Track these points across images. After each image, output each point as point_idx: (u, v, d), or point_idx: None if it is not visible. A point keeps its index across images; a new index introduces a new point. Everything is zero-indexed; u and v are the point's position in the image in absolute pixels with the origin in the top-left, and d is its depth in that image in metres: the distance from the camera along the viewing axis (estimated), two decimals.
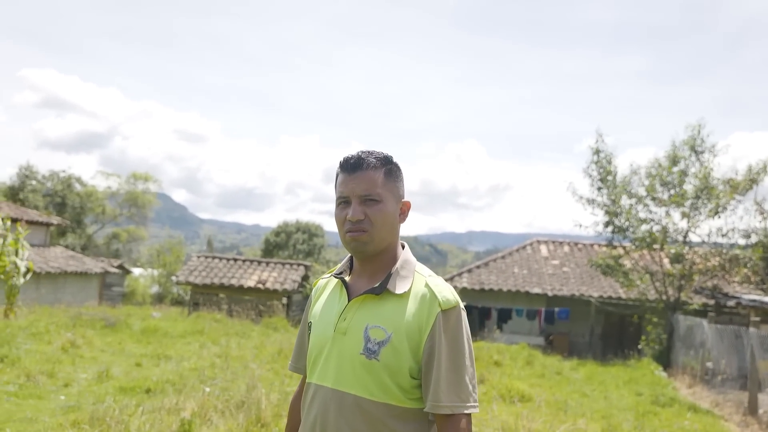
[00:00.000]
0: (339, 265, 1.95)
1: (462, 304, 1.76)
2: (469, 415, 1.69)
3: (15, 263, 13.78)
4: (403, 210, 1.87)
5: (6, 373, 7.57)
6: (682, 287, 16.99)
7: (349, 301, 1.80)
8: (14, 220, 16.63)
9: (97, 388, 7.42)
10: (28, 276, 14.48)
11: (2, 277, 13.52)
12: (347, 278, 1.88)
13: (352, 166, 1.80)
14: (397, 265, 1.80)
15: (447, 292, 1.74)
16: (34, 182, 40.23)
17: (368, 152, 1.83)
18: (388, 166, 1.83)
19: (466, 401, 1.68)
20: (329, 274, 1.96)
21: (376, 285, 1.77)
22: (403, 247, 1.89)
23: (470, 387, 1.70)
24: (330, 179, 1.92)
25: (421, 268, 1.84)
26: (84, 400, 6.71)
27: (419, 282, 1.77)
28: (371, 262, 1.83)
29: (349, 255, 1.91)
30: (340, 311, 1.80)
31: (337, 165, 1.85)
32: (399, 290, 1.74)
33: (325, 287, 1.95)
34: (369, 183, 1.78)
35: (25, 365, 8.10)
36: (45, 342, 10.23)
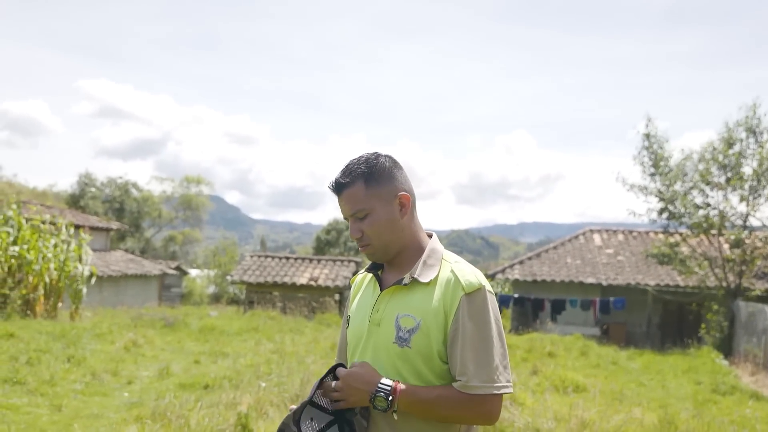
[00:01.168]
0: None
1: (488, 287, 1.78)
2: (500, 396, 1.72)
3: (78, 268, 14.36)
4: (402, 204, 1.86)
5: (73, 372, 7.93)
6: (742, 273, 16.46)
7: (381, 292, 1.88)
8: (77, 227, 17.32)
9: (158, 384, 7.70)
10: (93, 280, 15.07)
11: (68, 281, 14.11)
12: (380, 272, 1.95)
13: (335, 190, 1.87)
14: (424, 255, 1.85)
15: (470, 276, 1.77)
16: (93, 189, 41.76)
17: (346, 170, 1.86)
18: (368, 174, 1.83)
19: (495, 381, 1.70)
20: (365, 270, 2.03)
21: (405, 276, 1.83)
22: (430, 236, 1.94)
23: (501, 367, 1.72)
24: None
25: (448, 255, 1.88)
26: (146, 396, 6.98)
27: (445, 269, 1.82)
28: (398, 258, 1.89)
29: None
30: (373, 303, 1.88)
31: None
32: (425, 279, 1.79)
33: (362, 282, 2.03)
34: (352, 201, 1.83)
35: (90, 364, 8.47)
36: (108, 342, 10.65)
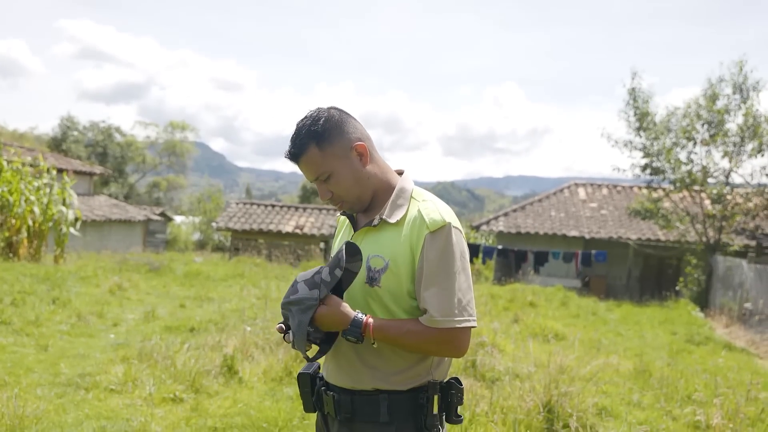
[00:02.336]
0: None
1: (454, 223, 1.79)
2: (465, 329, 1.76)
3: (62, 212, 14.27)
4: (360, 153, 1.84)
5: (58, 314, 7.96)
6: (722, 228, 16.71)
7: (353, 234, 1.92)
8: (59, 170, 17.13)
9: (144, 327, 7.77)
10: (78, 224, 14.99)
11: (51, 225, 14.03)
12: (354, 214, 1.98)
13: (291, 160, 1.85)
14: (393, 195, 1.87)
15: (434, 214, 1.78)
16: (75, 133, 41.16)
17: (295, 137, 1.83)
18: (318, 135, 1.81)
19: (458, 316, 1.74)
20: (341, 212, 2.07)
21: (374, 218, 1.86)
22: (401, 173, 1.96)
23: (463, 302, 1.76)
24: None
25: (417, 193, 1.88)
26: (132, 338, 7.05)
27: (413, 208, 1.83)
28: (371, 201, 1.91)
29: None
30: None
31: None
32: (393, 219, 1.82)
33: (344, 222, 2.07)
34: (311, 167, 1.83)
35: (75, 307, 8.50)
36: (93, 285, 10.68)
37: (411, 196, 1.87)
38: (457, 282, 1.76)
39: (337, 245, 2.04)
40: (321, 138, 1.80)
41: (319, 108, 1.87)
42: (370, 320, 1.74)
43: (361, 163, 1.85)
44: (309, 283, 1.76)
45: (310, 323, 1.73)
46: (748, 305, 12.39)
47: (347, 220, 2.02)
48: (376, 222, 1.84)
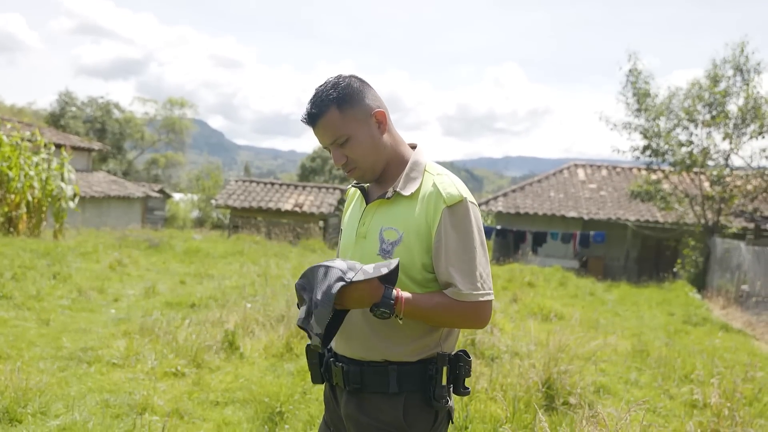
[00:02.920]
0: None
1: (470, 198, 1.80)
2: (488, 302, 1.78)
3: (61, 187, 14.23)
4: (379, 120, 1.85)
5: (59, 289, 7.98)
6: (721, 210, 16.73)
7: (366, 206, 1.91)
8: (57, 146, 17.05)
9: (145, 303, 7.79)
10: (76, 200, 14.96)
11: (50, 200, 14.00)
12: (366, 187, 1.99)
13: (309, 122, 1.84)
14: (407, 168, 1.87)
15: (451, 188, 1.79)
16: (74, 109, 40.92)
17: (315, 99, 1.82)
18: (339, 99, 1.80)
19: (481, 289, 1.76)
20: (352, 185, 2.07)
21: (388, 190, 1.86)
22: (414, 148, 1.95)
23: (484, 276, 1.78)
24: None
25: (432, 167, 1.88)
26: (133, 313, 7.08)
27: (428, 182, 1.84)
28: (383, 173, 1.91)
29: None
30: (359, 217, 1.93)
31: None
32: (407, 192, 1.82)
33: (354, 195, 2.07)
34: (329, 130, 1.81)
35: (76, 282, 8.52)
36: (93, 261, 10.69)
37: (425, 170, 1.87)
38: (477, 256, 1.77)
39: (347, 218, 2.04)
40: (342, 101, 1.81)
41: (339, 74, 1.87)
42: (402, 293, 1.73)
43: (379, 131, 1.86)
44: (348, 263, 1.70)
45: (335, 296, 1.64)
46: (745, 287, 12.45)
47: (358, 193, 2.02)
48: (389, 195, 1.84)
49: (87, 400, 4.23)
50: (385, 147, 1.87)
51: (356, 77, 1.87)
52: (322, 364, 1.95)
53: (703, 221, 16.89)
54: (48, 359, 5.10)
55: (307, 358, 1.96)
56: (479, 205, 14.04)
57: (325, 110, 1.80)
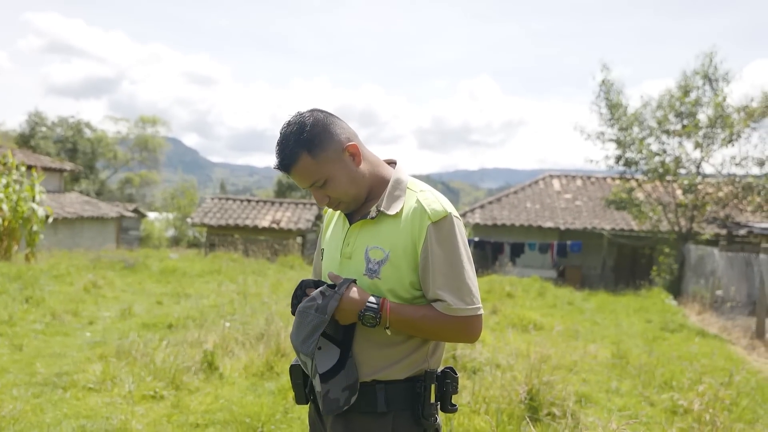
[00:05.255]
0: None
1: (454, 212, 1.80)
2: (479, 316, 1.79)
3: (33, 209, 13.99)
4: (353, 153, 1.81)
5: (32, 313, 7.82)
6: (694, 218, 17.00)
7: (350, 226, 1.90)
8: (28, 167, 16.78)
9: (121, 325, 7.66)
10: (50, 220, 14.71)
11: (21, 222, 13.75)
12: None
13: (283, 170, 1.79)
14: (389, 187, 1.85)
15: (435, 204, 1.78)
16: (44, 129, 40.36)
17: (283, 146, 1.77)
18: (308, 143, 1.75)
19: (472, 303, 1.77)
20: None
21: (371, 210, 1.85)
22: (394, 164, 1.95)
23: (473, 290, 1.79)
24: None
25: (413, 184, 1.88)
26: (109, 336, 6.95)
27: (411, 199, 1.83)
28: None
29: None
30: (343, 237, 1.91)
31: None
32: (392, 211, 1.81)
33: (334, 214, 2.05)
34: (305, 176, 1.78)
35: (49, 305, 8.36)
36: (67, 283, 10.50)
37: (407, 187, 1.87)
38: (465, 271, 1.77)
39: (329, 238, 2.01)
40: (311, 145, 1.75)
41: (300, 113, 1.81)
42: (387, 301, 1.75)
43: (354, 163, 1.82)
44: (321, 290, 1.77)
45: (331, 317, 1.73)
46: (719, 292, 12.63)
47: (337, 213, 2.00)
48: (373, 214, 1.83)
49: (63, 427, 4.13)
50: (364, 176, 1.85)
51: (319, 111, 1.81)
52: (306, 384, 1.92)
53: (676, 229, 17.14)
54: (21, 386, 4.97)
55: (291, 379, 1.93)
56: None
57: (296, 158, 1.75)
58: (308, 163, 1.76)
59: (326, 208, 2.06)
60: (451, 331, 1.77)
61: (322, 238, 2.08)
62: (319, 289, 1.77)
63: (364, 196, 1.87)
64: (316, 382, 1.76)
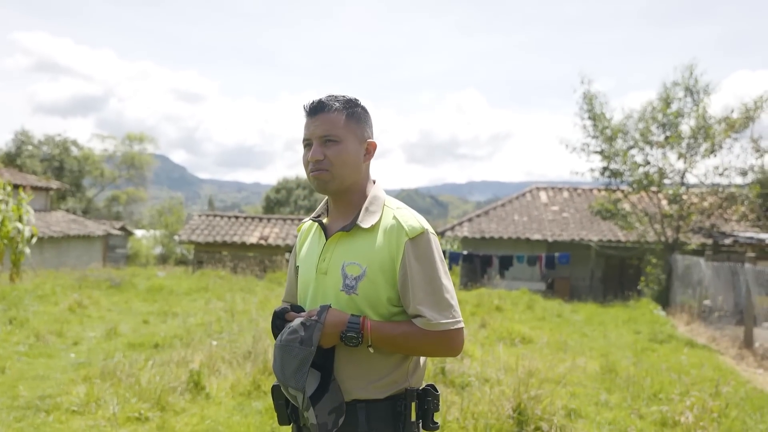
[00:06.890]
0: (317, 209, 2.04)
1: (430, 229, 1.84)
2: (461, 329, 1.79)
3: (18, 228, 13.86)
4: (368, 150, 1.92)
5: (15, 334, 7.72)
6: (679, 228, 17.10)
7: (326, 241, 1.90)
8: (15, 186, 16.65)
9: (106, 345, 7.57)
10: (34, 240, 14.58)
11: (6, 242, 13.62)
12: (324, 220, 1.98)
13: (313, 109, 1.86)
14: (366, 202, 1.88)
15: (412, 221, 1.82)
16: (30, 147, 40.08)
17: (332, 96, 1.88)
18: (351, 109, 1.87)
19: (452, 317, 1.78)
20: (309, 218, 2.05)
21: (347, 223, 1.86)
22: (374, 182, 1.98)
23: (453, 304, 1.80)
24: None
25: (390, 201, 1.92)
26: (94, 356, 6.87)
27: (387, 215, 1.85)
28: (342, 202, 1.92)
29: (326, 198, 2.01)
30: (319, 252, 1.91)
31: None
32: (366, 224, 1.83)
33: (309, 231, 2.06)
34: (328, 124, 1.84)
35: (33, 326, 8.26)
36: (52, 303, 10.39)
37: (384, 204, 1.89)
38: (443, 285, 1.79)
39: (304, 254, 2.01)
40: (352, 113, 1.87)
41: (354, 97, 1.94)
42: (367, 319, 1.76)
43: (364, 157, 1.90)
44: (303, 322, 1.77)
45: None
46: (707, 302, 12.68)
47: (315, 227, 2.01)
48: (349, 228, 1.84)
49: None
50: (359, 172, 1.90)
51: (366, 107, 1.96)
52: (288, 404, 1.90)
53: (663, 239, 17.23)
54: (3, 409, 4.90)
55: (273, 399, 1.91)
56: (445, 231, 14.09)
57: (334, 109, 1.85)
58: (339, 119, 1.84)
59: (300, 225, 2.10)
60: (432, 346, 1.78)
61: (296, 256, 2.08)
62: (299, 321, 1.76)
63: (347, 184, 1.88)
64: (310, 414, 1.73)
